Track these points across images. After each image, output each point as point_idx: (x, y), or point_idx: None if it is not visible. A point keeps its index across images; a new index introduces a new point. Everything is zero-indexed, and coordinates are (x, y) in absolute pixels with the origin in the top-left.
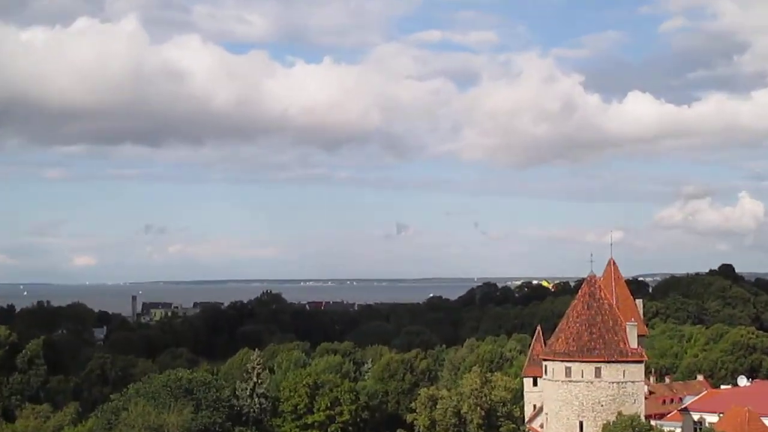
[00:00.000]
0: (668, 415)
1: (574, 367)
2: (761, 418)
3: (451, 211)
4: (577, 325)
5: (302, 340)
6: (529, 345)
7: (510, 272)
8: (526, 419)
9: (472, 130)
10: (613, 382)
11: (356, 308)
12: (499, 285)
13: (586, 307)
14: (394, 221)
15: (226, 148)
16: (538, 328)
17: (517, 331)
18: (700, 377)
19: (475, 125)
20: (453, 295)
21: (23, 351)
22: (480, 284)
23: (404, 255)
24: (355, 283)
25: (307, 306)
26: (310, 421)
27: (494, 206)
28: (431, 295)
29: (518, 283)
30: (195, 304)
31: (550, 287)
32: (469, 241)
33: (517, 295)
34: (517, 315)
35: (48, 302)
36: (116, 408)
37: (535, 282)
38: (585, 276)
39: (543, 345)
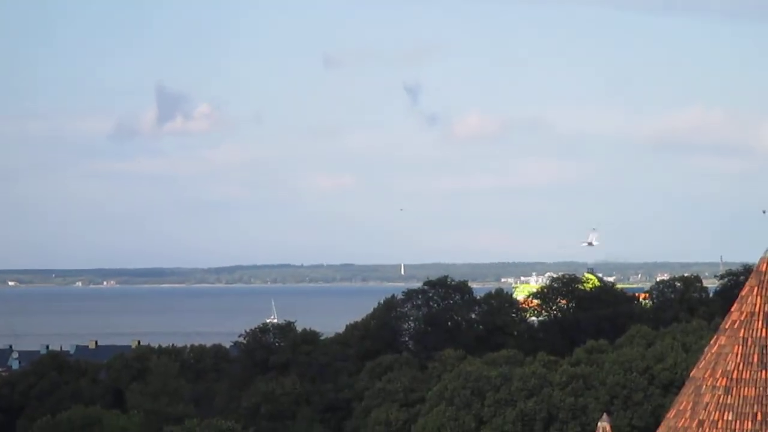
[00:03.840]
0: None
1: None
2: None
3: (332, 52)
4: (731, 397)
5: None
6: None
7: (518, 251)
8: None
9: None
10: None
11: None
12: (489, 287)
13: (750, 354)
14: (151, 83)
15: None
16: (602, 426)
17: (540, 426)
18: None
19: None
20: (329, 326)
21: None
22: (418, 285)
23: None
24: (55, 275)
25: None
26: None
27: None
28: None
29: (537, 280)
30: None
31: (641, 297)
32: (394, 138)
33: (531, 318)
34: (534, 380)
35: None
36: None
37: (622, 281)
38: (751, 262)
39: None
